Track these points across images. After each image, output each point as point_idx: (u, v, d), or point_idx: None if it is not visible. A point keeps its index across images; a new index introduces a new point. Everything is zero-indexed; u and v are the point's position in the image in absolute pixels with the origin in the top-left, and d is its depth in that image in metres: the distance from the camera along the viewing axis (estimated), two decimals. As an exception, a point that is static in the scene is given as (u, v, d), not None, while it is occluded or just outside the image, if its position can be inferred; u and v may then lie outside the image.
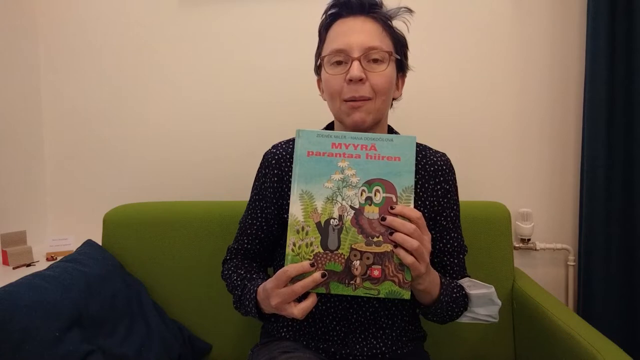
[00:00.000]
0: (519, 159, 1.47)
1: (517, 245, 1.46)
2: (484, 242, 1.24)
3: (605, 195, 1.33)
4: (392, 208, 0.70)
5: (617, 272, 1.35)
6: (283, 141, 0.98)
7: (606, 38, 1.30)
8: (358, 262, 0.70)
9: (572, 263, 1.46)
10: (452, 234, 0.94)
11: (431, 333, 1.01)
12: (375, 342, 0.90)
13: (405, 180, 0.71)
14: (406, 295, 0.70)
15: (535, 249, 1.46)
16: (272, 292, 0.73)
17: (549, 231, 1.48)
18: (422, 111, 1.44)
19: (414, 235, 0.69)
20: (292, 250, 0.71)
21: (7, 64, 1.48)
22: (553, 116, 1.45)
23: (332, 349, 0.90)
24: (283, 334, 0.94)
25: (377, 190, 0.71)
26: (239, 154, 1.53)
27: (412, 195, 0.71)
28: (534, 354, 1.15)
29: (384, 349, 0.90)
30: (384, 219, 0.70)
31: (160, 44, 1.54)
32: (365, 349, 0.89)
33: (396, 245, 0.70)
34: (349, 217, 0.71)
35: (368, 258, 0.70)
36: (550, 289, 1.45)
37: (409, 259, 0.69)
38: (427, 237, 0.72)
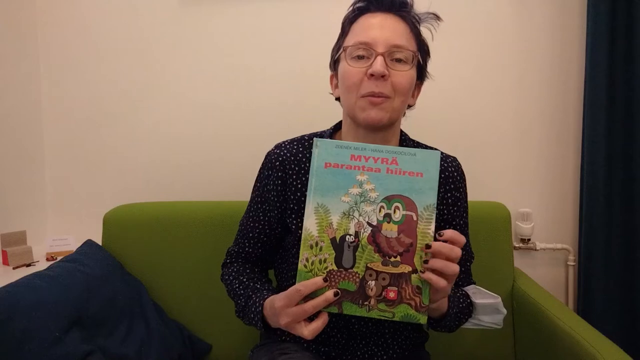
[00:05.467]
0: (519, 159, 1.47)
1: (517, 245, 1.46)
2: (484, 242, 1.24)
3: (605, 195, 1.33)
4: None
5: (617, 272, 1.35)
6: (287, 141, 0.93)
7: (606, 38, 1.30)
8: (373, 282, 0.66)
9: (572, 263, 1.46)
10: None
11: (432, 333, 1.01)
12: (376, 350, 0.90)
13: (427, 197, 0.67)
14: (422, 320, 0.67)
15: (535, 249, 1.46)
16: (281, 310, 0.69)
17: (549, 231, 1.48)
18: (422, 111, 1.43)
19: (456, 261, 0.67)
20: (305, 267, 0.67)
21: (7, 64, 1.48)
22: (553, 116, 1.45)
23: (333, 354, 0.89)
24: (284, 337, 0.93)
25: (397, 207, 0.67)
26: (239, 154, 1.53)
27: (434, 215, 0.67)
28: (534, 354, 1.15)
29: (385, 357, 0.90)
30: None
31: (160, 44, 1.54)
32: (367, 355, 0.89)
33: (420, 270, 0.66)
34: (366, 234, 0.67)
35: (384, 279, 0.66)
36: (550, 289, 1.44)
37: (442, 282, 0.66)
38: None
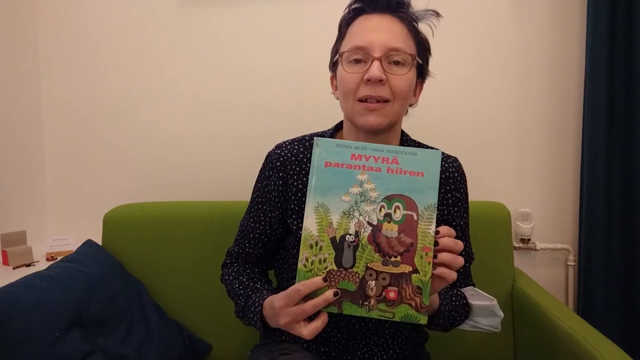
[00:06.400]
0: (519, 159, 1.47)
1: (517, 245, 1.46)
2: (484, 242, 1.23)
3: (605, 195, 1.33)
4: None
5: (617, 272, 1.35)
6: (287, 141, 0.93)
7: (606, 38, 1.30)
8: (373, 282, 0.66)
9: (572, 263, 1.46)
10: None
11: (432, 333, 1.01)
12: (376, 350, 0.90)
13: (428, 197, 0.67)
14: (423, 320, 0.66)
15: (535, 249, 1.46)
16: (281, 310, 0.69)
17: (549, 231, 1.48)
18: (422, 111, 1.43)
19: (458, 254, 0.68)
20: (304, 266, 0.66)
21: (7, 64, 1.48)
22: (553, 116, 1.45)
23: (333, 354, 0.89)
24: (284, 337, 0.93)
25: (397, 207, 0.67)
26: (239, 154, 1.53)
27: (435, 214, 0.66)
28: (534, 354, 1.15)
29: (385, 357, 0.90)
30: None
31: (159, 44, 1.54)
32: (367, 355, 0.89)
33: (428, 268, 0.66)
34: (366, 234, 0.66)
35: (384, 279, 0.66)
36: (550, 289, 1.44)
37: (454, 275, 0.67)
38: None
